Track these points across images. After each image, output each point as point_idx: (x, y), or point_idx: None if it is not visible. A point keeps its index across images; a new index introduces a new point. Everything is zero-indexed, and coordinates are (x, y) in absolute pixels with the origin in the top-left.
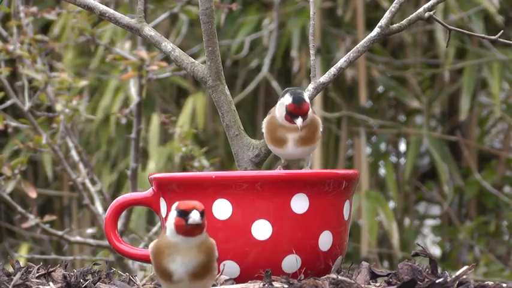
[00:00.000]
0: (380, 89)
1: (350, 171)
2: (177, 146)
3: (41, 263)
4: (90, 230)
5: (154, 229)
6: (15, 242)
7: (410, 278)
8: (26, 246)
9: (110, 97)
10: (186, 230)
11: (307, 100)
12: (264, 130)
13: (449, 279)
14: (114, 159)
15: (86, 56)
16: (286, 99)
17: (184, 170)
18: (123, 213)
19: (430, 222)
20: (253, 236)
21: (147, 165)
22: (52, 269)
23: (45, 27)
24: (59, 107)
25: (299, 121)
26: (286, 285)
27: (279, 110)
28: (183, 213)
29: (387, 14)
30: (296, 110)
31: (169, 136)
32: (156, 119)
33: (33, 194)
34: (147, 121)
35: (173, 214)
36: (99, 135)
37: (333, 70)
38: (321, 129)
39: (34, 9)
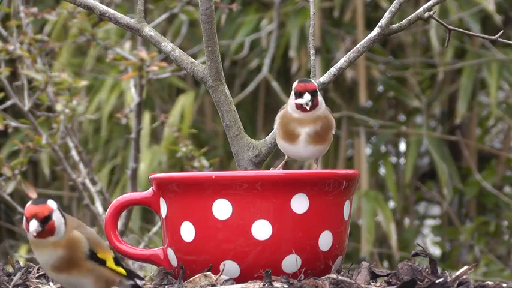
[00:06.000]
0: (380, 89)
1: (350, 171)
2: (176, 146)
3: None
4: None
5: (155, 229)
6: (15, 242)
7: (410, 278)
8: (26, 246)
9: (105, 95)
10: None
11: (314, 82)
12: (276, 125)
13: (449, 279)
14: (112, 159)
15: (83, 56)
16: (294, 85)
17: (183, 170)
18: (123, 213)
19: (430, 222)
20: (253, 236)
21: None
22: None
23: (45, 27)
24: (59, 107)
25: (306, 96)
26: (286, 285)
27: (289, 102)
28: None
29: (387, 14)
30: (302, 87)
31: (161, 136)
32: (147, 118)
33: (33, 194)
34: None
35: None
36: (98, 135)
37: (333, 70)
38: (333, 131)
39: (34, 9)
